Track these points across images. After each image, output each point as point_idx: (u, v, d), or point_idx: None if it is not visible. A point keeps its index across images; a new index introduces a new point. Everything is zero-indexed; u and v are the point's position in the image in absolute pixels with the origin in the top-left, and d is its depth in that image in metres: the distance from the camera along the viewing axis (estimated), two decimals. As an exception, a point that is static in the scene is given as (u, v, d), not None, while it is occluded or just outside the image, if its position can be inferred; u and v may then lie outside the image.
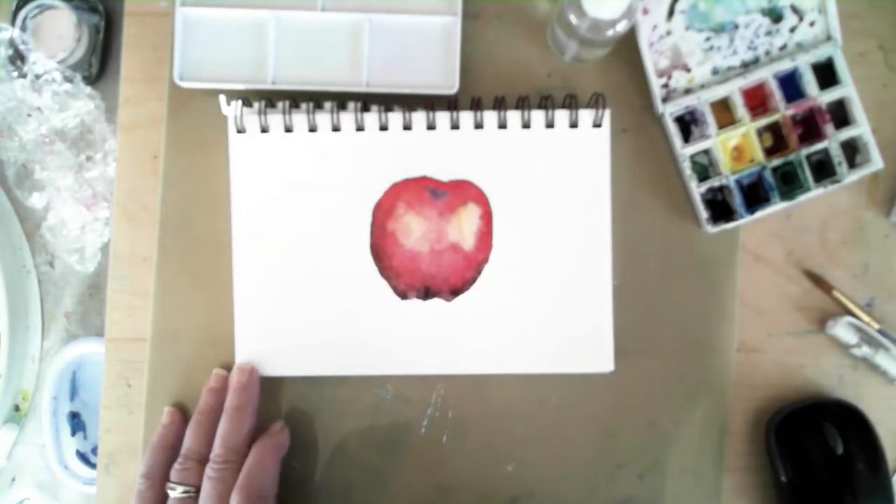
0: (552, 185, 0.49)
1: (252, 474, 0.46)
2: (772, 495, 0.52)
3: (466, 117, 0.49)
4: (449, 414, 0.51)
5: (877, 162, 0.50)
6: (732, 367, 0.52)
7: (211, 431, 0.48)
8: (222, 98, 0.48)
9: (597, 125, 0.49)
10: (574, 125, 0.49)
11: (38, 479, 0.57)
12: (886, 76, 0.53)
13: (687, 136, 0.51)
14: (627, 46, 0.50)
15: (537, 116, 0.49)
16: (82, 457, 0.57)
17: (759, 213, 0.50)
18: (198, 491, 0.46)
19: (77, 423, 0.58)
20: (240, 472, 0.46)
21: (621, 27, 0.44)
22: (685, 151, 0.50)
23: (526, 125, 0.49)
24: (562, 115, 0.49)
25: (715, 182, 0.50)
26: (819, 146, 0.50)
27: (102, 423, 0.52)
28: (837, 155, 0.50)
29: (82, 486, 0.56)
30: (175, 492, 0.46)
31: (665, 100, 0.50)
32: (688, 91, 0.50)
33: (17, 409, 0.57)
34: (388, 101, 0.49)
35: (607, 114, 0.49)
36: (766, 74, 0.50)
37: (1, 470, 0.57)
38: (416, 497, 0.51)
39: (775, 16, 0.50)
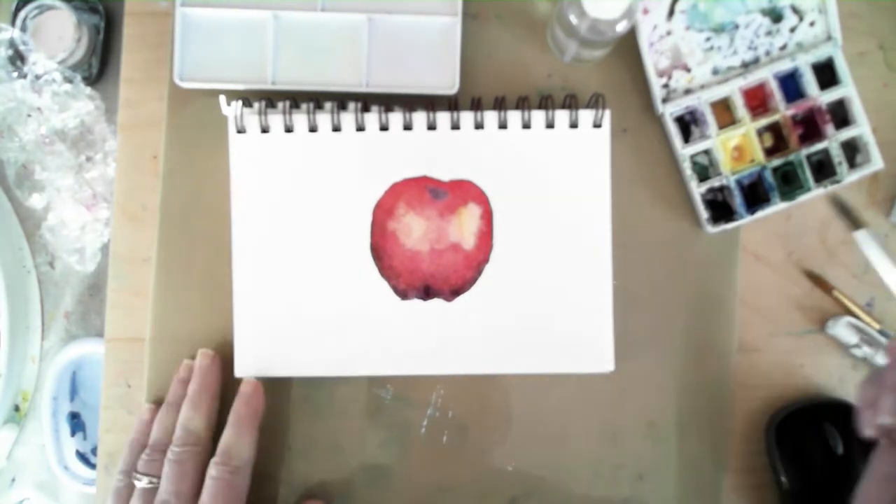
0: (552, 185, 0.49)
1: (228, 446, 0.46)
2: (772, 495, 0.52)
3: (467, 117, 0.49)
4: (449, 414, 0.51)
5: (877, 162, 0.50)
6: (732, 367, 0.52)
7: (176, 421, 0.47)
8: (222, 98, 0.48)
9: (597, 125, 0.49)
10: (574, 125, 0.49)
11: (38, 480, 0.57)
12: (886, 76, 0.53)
13: (687, 137, 0.51)
14: (627, 46, 0.50)
15: (537, 117, 0.49)
16: (82, 457, 0.57)
17: (760, 214, 0.50)
18: None
19: (77, 423, 0.57)
20: (200, 454, 0.46)
21: (621, 27, 0.44)
22: (685, 151, 0.50)
23: (526, 125, 0.49)
24: (562, 116, 0.49)
25: (715, 182, 0.50)
26: (819, 146, 0.50)
27: (102, 424, 0.52)
28: (837, 155, 0.50)
29: (82, 487, 0.56)
30: (141, 482, 0.46)
31: (665, 100, 0.50)
32: (688, 91, 0.50)
33: (17, 409, 0.57)
34: (388, 102, 0.49)
35: (607, 114, 0.49)
36: (766, 74, 0.50)
37: (1, 470, 0.57)
38: (416, 497, 0.51)
39: (775, 16, 0.50)
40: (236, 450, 0.46)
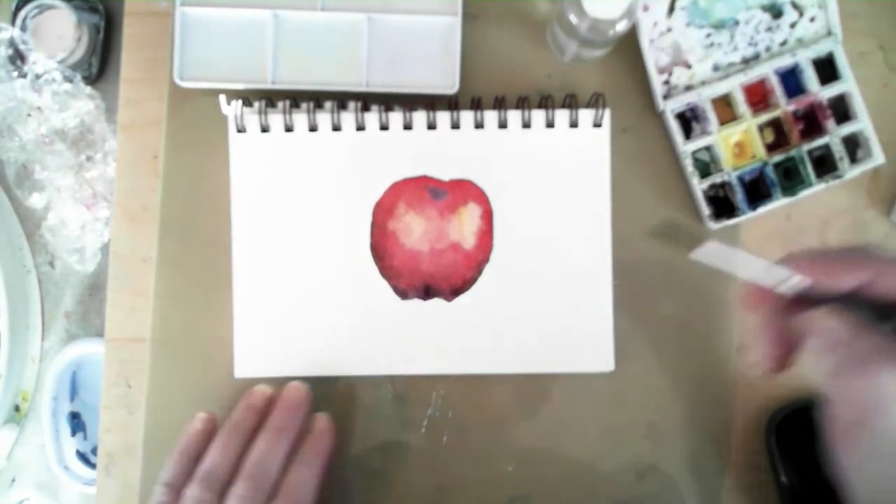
0: (552, 184, 0.49)
1: (294, 488, 0.42)
2: (772, 495, 0.52)
3: (467, 117, 0.49)
4: (449, 414, 0.51)
5: (878, 157, 0.49)
6: (732, 367, 0.52)
7: (240, 451, 0.43)
8: (222, 98, 0.48)
9: (597, 125, 0.49)
10: (574, 125, 0.49)
11: (38, 480, 0.57)
12: (886, 76, 0.53)
13: (688, 133, 0.51)
14: (627, 46, 0.50)
15: (537, 116, 0.49)
16: (82, 457, 0.57)
17: (762, 209, 0.50)
18: None
19: (77, 423, 0.57)
20: (268, 497, 0.41)
21: (621, 27, 0.44)
22: (687, 148, 0.50)
23: (526, 125, 0.49)
24: (562, 115, 0.49)
25: (717, 178, 0.50)
26: (820, 141, 0.50)
27: (102, 424, 0.52)
28: (839, 150, 0.50)
29: (82, 487, 0.56)
30: None
31: (666, 97, 0.50)
32: (689, 88, 0.50)
33: (17, 409, 0.57)
34: (388, 101, 0.49)
35: (607, 113, 0.49)
36: (766, 70, 0.50)
37: (1, 470, 0.57)
38: (416, 497, 0.51)
39: (775, 11, 0.50)
40: (303, 490, 0.42)
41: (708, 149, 0.50)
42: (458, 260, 0.49)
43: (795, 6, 0.50)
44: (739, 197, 0.50)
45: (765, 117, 0.50)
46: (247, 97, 0.48)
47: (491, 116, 0.49)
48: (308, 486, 0.43)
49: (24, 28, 0.53)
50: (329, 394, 0.51)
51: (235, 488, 0.41)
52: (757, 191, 0.50)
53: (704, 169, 0.51)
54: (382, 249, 0.49)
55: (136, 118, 0.52)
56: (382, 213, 0.49)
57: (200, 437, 0.45)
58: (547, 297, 0.49)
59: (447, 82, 0.50)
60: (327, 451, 0.45)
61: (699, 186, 0.50)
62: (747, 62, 0.50)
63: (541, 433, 0.51)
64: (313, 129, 0.48)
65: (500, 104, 0.48)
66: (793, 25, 0.50)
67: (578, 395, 0.51)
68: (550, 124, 0.49)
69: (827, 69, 0.50)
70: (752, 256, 0.35)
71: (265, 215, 0.49)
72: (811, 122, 0.50)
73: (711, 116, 0.50)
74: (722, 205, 0.51)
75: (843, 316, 0.32)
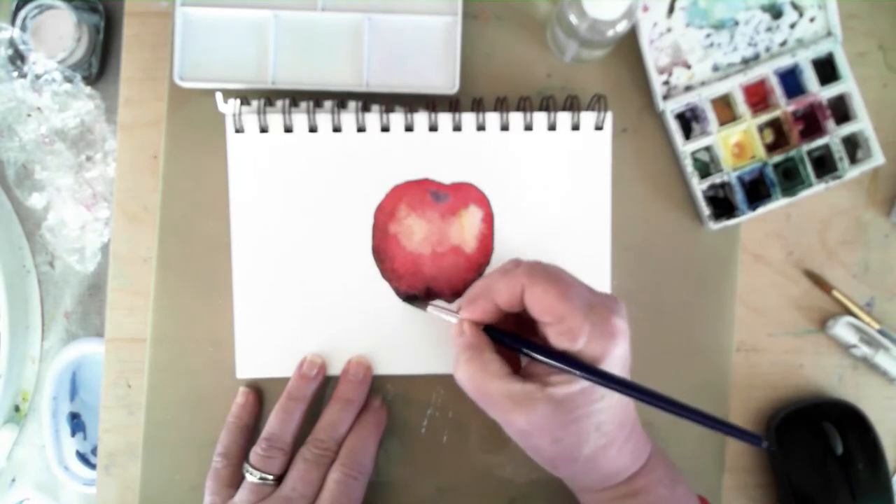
0: (553, 187, 0.49)
1: (355, 451, 0.46)
2: (772, 495, 0.52)
3: (469, 119, 0.49)
4: (449, 414, 0.51)
5: (878, 157, 0.49)
6: (732, 367, 0.52)
7: (297, 419, 0.47)
8: (219, 95, 0.47)
9: (598, 128, 0.49)
10: (576, 128, 0.49)
11: (37, 480, 0.57)
12: (886, 76, 0.53)
13: (688, 133, 0.51)
14: (627, 46, 0.50)
15: (539, 119, 0.49)
16: (82, 457, 0.57)
17: (761, 209, 0.50)
18: (275, 480, 0.46)
19: (77, 423, 0.57)
20: (333, 460, 0.46)
21: (621, 27, 0.44)
22: (686, 148, 0.50)
23: (528, 127, 0.49)
24: (564, 118, 0.49)
25: (716, 179, 0.50)
26: (820, 142, 0.50)
27: (102, 424, 0.52)
28: (838, 150, 0.50)
29: (82, 487, 0.56)
30: (252, 476, 0.46)
31: (666, 97, 0.50)
32: (688, 88, 0.50)
33: (17, 409, 0.57)
34: (388, 101, 0.49)
35: (609, 116, 0.49)
36: (766, 70, 0.50)
37: (1, 470, 0.57)
38: (415, 497, 0.51)
39: (775, 12, 0.50)
40: (360, 457, 0.46)
41: (707, 149, 0.50)
42: (459, 263, 0.49)
43: (795, 6, 0.50)
44: (739, 197, 0.50)
45: (764, 117, 0.50)
46: (245, 96, 0.48)
47: (493, 118, 0.49)
48: (366, 453, 0.47)
49: (24, 28, 0.53)
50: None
51: (304, 450, 0.46)
52: (757, 191, 0.50)
53: (704, 169, 0.51)
54: (383, 252, 0.49)
55: (136, 118, 0.52)
56: (384, 217, 0.49)
57: (244, 410, 0.49)
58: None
59: (447, 82, 0.50)
60: (383, 424, 0.49)
61: (699, 187, 0.50)
62: (747, 62, 0.50)
63: (541, 433, 0.51)
64: (313, 129, 0.48)
65: (501, 105, 0.48)
66: (792, 26, 0.50)
67: (578, 395, 0.51)
68: (552, 127, 0.49)
69: (827, 69, 0.50)
70: (447, 309, 0.46)
71: (265, 217, 0.49)
72: (811, 122, 0.50)
73: (711, 117, 0.50)
74: (722, 205, 0.51)
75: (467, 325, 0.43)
